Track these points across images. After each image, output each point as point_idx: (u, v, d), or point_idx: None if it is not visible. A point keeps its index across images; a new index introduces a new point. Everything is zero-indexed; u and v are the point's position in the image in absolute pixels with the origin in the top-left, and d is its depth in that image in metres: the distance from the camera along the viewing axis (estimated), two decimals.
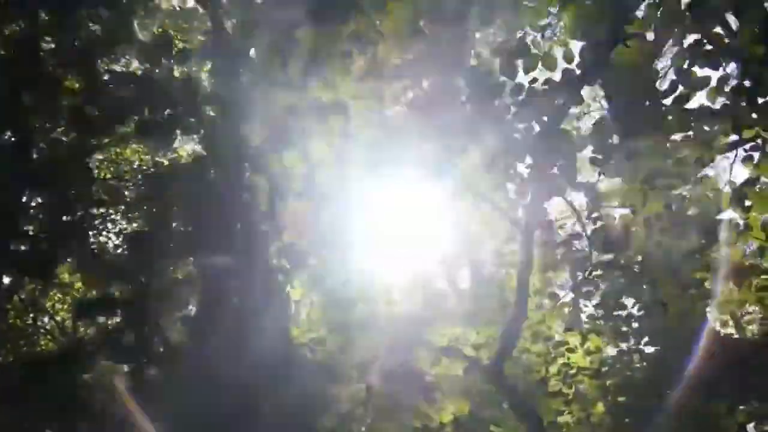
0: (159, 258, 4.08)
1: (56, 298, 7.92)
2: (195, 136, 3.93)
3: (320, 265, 5.10)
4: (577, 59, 4.58)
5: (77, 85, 3.71)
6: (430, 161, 4.86)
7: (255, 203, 4.33)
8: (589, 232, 5.26)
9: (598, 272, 5.62)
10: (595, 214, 5.23)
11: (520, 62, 4.62)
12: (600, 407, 5.76)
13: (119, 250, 4.84)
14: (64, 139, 3.77)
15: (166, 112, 3.79)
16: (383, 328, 5.49)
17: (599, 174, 5.06)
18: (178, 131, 3.87)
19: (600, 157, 4.92)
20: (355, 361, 5.34)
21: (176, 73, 3.69)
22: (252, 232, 4.33)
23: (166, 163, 4.22)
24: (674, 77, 4.77)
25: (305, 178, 4.61)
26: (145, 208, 4.08)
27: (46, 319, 8.06)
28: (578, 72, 4.53)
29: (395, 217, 5.14)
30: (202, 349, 4.65)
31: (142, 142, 4.25)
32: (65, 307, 8.07)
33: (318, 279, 5.16)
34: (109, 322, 4.06)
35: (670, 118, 4.80)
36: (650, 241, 5.51)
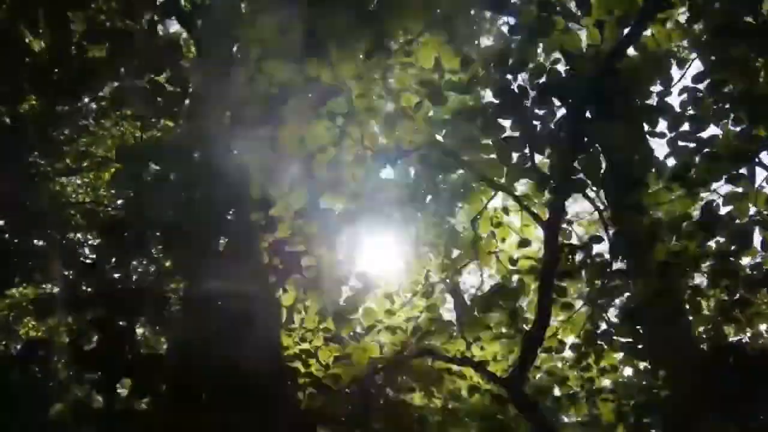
0: (135, 249, 3.52)
1: None
2: (178, 109, 3.41)
3: (316, 266, 4.57)
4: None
5: (43, 44, 3.20)
6: (439, 149, 4.39)
7: (245, 191, 3.80)
8: (611, 234, 4.79)
9: (617, 282, 5.15)
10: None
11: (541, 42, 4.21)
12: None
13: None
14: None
15: (146, 78, 3.28)
16: (383, 339, 4.96)
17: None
18: (159, 101, 3.34)
19: None
20: (352, 375, 4.79)
21: (160, 31, 3.19)
22: (242, 222, 3.79)
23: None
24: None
25: (302, 164, 4.10)
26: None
27: None
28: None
29: (400, 212, 4.63)
30: (181, 358, 4.08)
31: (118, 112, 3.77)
32: None
33: (313, 282, 4.62)
34: (74, 324, 3.48)
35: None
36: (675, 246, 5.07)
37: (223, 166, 3.60)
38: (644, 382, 5.49)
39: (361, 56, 4.10)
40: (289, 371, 4.64)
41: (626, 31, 4.12)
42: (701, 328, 5.52)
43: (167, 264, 3.68)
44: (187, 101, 3.43)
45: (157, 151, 3.36)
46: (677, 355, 5.36)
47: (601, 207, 4.71)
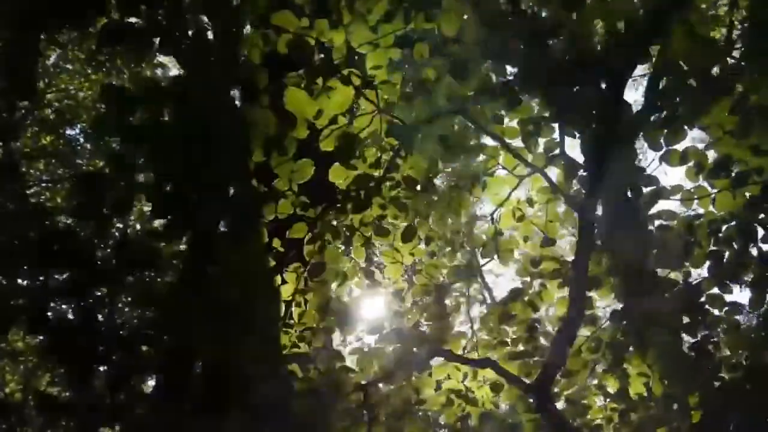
0: (116, 212, 3.06)
1: None
2: (177, 50, 3.01)
3: (319, 254, 4.10)
4: None
5: None
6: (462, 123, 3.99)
7: (247, 155, 3.37)
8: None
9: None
10: (654, 210, 4.33)
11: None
12: None
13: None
14: None
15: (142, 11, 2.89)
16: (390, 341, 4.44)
17: (660, 161, 4.22)
18: (156, 42, 2.95)
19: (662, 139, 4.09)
20: (355, 382, 4.26)
21: None
22: (244, 191, 3.34)
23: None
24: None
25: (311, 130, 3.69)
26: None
27: None
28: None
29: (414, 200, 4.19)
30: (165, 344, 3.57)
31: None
32: None
33: (316, 272, 4.14)
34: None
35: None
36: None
37: (225, 125, 3.18)
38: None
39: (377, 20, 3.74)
40: (285, 375, 4.12)
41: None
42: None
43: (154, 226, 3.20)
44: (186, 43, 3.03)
45: (152, 95, 2.93)
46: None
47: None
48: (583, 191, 3.83)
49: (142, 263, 3.12)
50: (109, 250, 3.20)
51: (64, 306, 3.32)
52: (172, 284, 3.49)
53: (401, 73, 3.98)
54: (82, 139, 10.18)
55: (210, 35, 3.20)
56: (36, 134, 9.96)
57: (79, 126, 10.15)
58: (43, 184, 10.00)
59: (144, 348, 3.40)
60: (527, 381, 4.04)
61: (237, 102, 3.35)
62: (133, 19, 2.99)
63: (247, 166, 3.27)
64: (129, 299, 3.39)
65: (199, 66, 3.01)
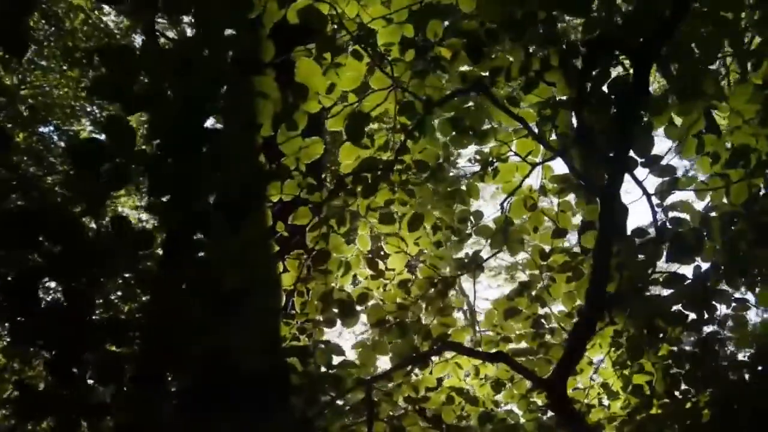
0: (113, 184, 2.81)
1: None
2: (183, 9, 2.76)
3: (322, 242, 3.86)
4: None
5: None
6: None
7: (254, 131, 3.12)
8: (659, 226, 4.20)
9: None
10: (669, 201, 4.18)
11: None
12: None
13: None
14: None
15: None
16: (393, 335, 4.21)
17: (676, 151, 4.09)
18: None
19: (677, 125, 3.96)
20: (359, 375, 4.02)
21: None
22: (250, 167, 3.09)
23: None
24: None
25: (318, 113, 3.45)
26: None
27: None
28: None
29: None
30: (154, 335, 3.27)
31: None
32: None
33: (319, 260, 3.90)
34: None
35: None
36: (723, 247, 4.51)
37: (233, 94, 2.93)
38: None
39: None
40: (285, 369, 3.86)
41: None
42: None
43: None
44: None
45: (156, 58, 2.67)
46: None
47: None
48: (605, 176, 3.66)
49: (139, 242, 2.85)
50: (101, 228, 2.93)
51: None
52: (162, 267, 3.22)
53: (413, 52, 3.78)
54: (56, 137, 9.81)
55: None
56: (9, 131, 9.55)
57: (53, 124, 9.78)
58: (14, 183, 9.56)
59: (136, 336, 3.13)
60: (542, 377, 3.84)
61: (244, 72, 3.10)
62: None
63: (254, 140, 3.03)
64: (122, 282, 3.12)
65: (208, 29, 2.75)
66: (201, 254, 3.16)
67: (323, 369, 4.00)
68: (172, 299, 3.06)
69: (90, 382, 3.01)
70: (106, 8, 10.20)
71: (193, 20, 2.86)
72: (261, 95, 2.95)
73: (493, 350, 4.60)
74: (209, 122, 3.06)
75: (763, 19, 3.41)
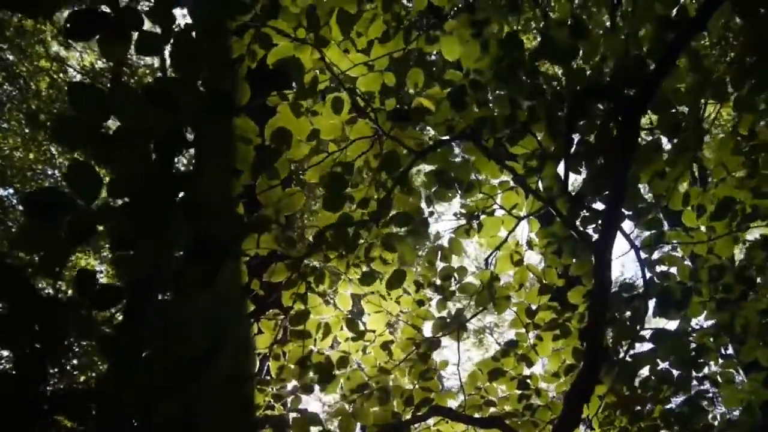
0: (75, 239, 2.53)
1: None
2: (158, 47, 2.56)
3: (299, 302, 3.59)
4: None
5: None
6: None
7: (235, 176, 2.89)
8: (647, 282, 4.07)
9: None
10: (657, 256, 4.08)
11: None
12: None
13: None
14: None
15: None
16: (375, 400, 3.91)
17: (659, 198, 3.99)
18: (134, 36, 2.50)
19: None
20: None
21: None
22: (228, 218, 2.84)
23: None
24: None
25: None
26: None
27: None
28: None
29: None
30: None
31: None
32: None
33: (297, 321, 3.62)
34: None
35: None
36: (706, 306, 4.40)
37: (212, 137, 2.72)
38: None
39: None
40: None
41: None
42: None
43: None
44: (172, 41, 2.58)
45: (129, 96, 2.45)
46: None
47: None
48: (594, 228, 3.53)
49: (103, 300, 2.55)
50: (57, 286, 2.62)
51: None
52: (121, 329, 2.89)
53: (395, 100, 3.65)
54: (15, 201, 9.36)
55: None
56: None
57: (12, 187, 9.35)
58: None
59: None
60: None
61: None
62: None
63: (232, 188, 2.79)
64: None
65: (186, 67, 2.55)
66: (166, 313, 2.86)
67: None
68: (131, 365, 2.74)
69: None
70: (72, 71, 9.93)
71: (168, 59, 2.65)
72: (241, 139, 2.74)
73: (476, 415, 4.34)
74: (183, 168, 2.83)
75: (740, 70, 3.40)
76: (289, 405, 3.62)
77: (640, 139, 3.89)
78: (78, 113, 2.46)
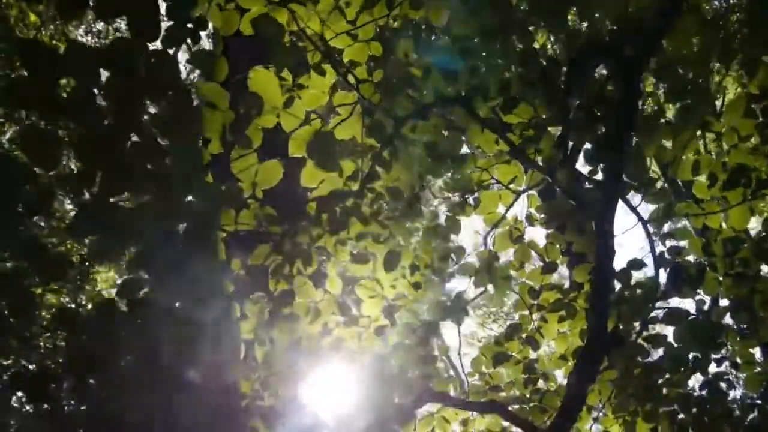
0: (31, 211, 2.40)
1: None
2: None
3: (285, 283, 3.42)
4: None
5: None
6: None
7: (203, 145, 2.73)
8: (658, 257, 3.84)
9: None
10: (666, 228, 3.85)
11: None
12: None
13: None
14: None
15: None
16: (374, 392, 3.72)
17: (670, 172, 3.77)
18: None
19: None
20: None
21: None
22: (199, 192, 2.67)
23: None
24: None
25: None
26: None
27: None
28: None
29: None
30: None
31: None
32: None
33: (283, 304, 3.44)
34: None
35: None
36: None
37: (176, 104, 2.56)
38: None
39: None
40: None
41: None
42: None
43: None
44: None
45: (85, 57, 2.31)
46: None
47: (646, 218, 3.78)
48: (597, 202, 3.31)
49: (52, 268, 2.39)
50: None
51: None
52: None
53: (381, 71, 3.46)
54: None
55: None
56: None
57: None
58: None
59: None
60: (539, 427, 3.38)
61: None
62: None
63: (201, 157, 2.63)
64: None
65: (146, 32, 2.40)
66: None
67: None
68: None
69: None
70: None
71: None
72: (209, 105, 2.57)
73: (482, 400, 4.13)
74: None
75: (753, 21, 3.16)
76: (278, 394, 3.45)
77: (645, 106, 3.70)
78: (30, 74, 2.32)
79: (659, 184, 3.69)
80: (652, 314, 4.16)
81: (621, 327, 4.13)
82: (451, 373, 4.44)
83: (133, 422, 2.63)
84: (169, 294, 2.67)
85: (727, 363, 4.23)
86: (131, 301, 2.61)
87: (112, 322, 2.60)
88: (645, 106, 3.68)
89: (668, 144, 3.69)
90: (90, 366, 2.57)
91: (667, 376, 4.33)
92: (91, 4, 2.43)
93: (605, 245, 3.18)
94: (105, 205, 2.46)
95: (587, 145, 3.45)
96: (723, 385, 4.41)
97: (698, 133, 3.60)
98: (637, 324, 4.22)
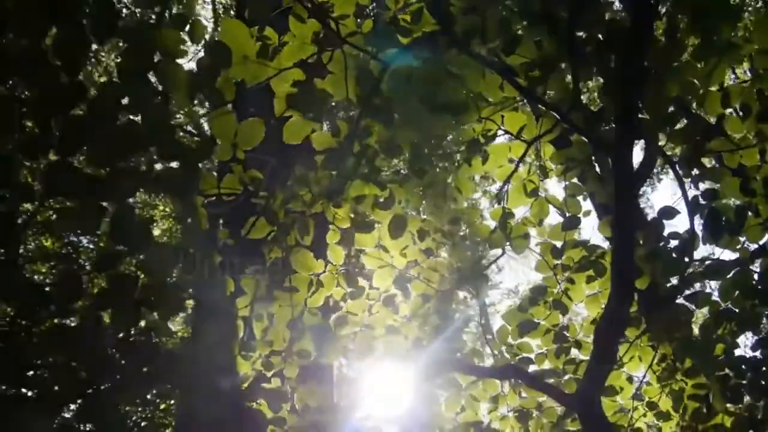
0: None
1: None
2: None
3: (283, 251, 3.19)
4: None
5: None
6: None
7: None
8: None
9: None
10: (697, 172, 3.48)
11: None
12: None
13: None
14: None
15: None
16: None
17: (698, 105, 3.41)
18: None
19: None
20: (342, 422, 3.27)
21: None
22: (168, 150, 2.46)
23: None
24: None
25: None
26: None
27: None
28: None
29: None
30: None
31: None
32: None
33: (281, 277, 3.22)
34: None
35: None
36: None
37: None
38: None
39: None
40: (252, 416, 3.13)
41: None
42: None
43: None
44: None
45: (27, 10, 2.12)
46: None
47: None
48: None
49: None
50: None
51: None
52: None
53: (371, 22, 3.20)
54: None
55: None
56: None
57: None
58: None
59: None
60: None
61: None
62: None
63: (167, 114, 2.41)
64: None
65: None
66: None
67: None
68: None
69: None
70: None
71: None
72: (167, 56, 2.36)
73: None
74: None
75: None
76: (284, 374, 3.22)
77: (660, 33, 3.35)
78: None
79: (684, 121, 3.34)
80: (691, 270, 3.81)
81: (657, 284, 3.79)
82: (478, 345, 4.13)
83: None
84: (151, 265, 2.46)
85: None
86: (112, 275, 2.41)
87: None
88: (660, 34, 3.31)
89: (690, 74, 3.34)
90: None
91: (714, 336, 3.97)
92: None
93: (623, 183, 2.85)
94: (66, 167, 2.26)
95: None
96: None
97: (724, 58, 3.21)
98: (674, 280, 3.88)
